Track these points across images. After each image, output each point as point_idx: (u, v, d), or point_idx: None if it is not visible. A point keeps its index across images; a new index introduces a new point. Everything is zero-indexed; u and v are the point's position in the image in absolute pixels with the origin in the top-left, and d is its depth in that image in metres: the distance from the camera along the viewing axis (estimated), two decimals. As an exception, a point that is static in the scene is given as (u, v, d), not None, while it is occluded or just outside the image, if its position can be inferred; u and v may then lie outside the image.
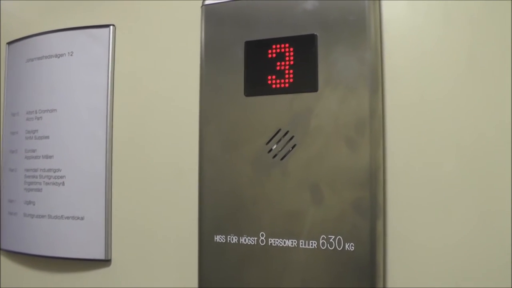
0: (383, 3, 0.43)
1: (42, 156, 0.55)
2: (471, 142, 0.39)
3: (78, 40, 0.55)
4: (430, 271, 0.40)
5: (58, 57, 0.56)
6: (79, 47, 0.55)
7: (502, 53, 0.39)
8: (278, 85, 0.42)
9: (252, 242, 0.42)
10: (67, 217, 0.53)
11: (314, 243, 0.40)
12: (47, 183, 0.54)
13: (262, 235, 0.42)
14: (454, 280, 0.39)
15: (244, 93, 0.44)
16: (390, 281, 0.41)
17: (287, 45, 0.43)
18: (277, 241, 0.41)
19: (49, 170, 0.55)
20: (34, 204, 0.55)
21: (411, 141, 0.41)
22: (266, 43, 0.43)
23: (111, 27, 0.54)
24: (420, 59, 0.41)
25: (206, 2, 0.46)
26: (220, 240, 0.43)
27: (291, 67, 0.42)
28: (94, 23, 0.55)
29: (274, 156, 0.42)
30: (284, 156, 0.42)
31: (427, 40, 0.41)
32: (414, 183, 0.41)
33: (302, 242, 0.40)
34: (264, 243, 0.42)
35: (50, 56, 0.57)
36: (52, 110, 0.55)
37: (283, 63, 0.43)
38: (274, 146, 0.42)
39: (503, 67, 0.39)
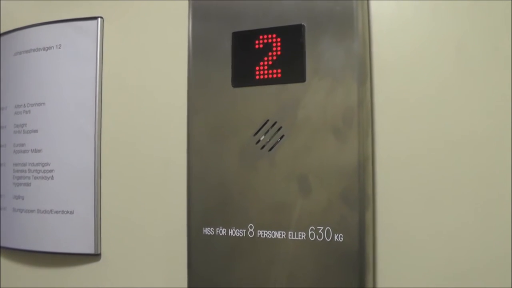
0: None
1: (31, 150, 0.55)
2: (459, 133, 0.39)
3: (66, 32, 0.55)
4: (419, 261, 0.40)
5: (46, 50, 0.56)
6: (67, 40, 0.55)
7: (489, 47, 0.39)
8: (265, 76, 0.42)
9: (241, 234, 0.42)
10: (56, 212, 0.53)
11: (303, 234, 0.40)
12: (36, 177, 0.54)
13: (251, 227, 0.42)
14: (443, 271, 0.39)
15: (232, 84, 0.43)
16: (379, 272, 0.41)
17: (274, 35, 0.42)
18: (265, 232, 0.41)
19: (38, 164, 0.54)
20: (23, 199, 0.55)
21: (400, 132, 0.41)
22: (253, 34, 0.43)
23: (99, 19, 0.54)
24: (409, 51, 0.41)
25: (194, -7, 0.46)
26: (208, 232, 0.43)
27: (278, 57, 0.42)
28: (82, 15, 0.55)
29: (262, 147, 0.42)
30: (272, 147, 0.41)
31: (416, 33, 0.41)
32: (403, 173, 0.41)
33: (290, 233, 0.40)
34: (253, 235, 0.41)
35: (38, 49, 0.56)
36: (40, 104, 0.55)
37: (270, 53, 0.42)
38: (262, 137, 0.42)
39: (491, 61, 0.38)
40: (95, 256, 0.52)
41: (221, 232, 0.43)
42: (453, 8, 0.40)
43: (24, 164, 0.55)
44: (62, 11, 0.56)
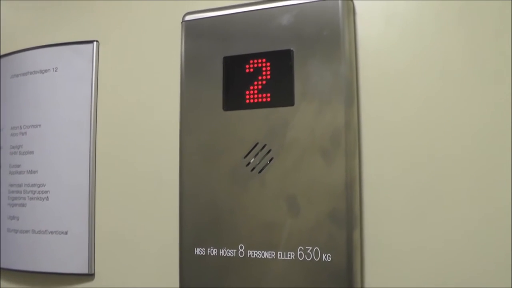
0: (358, 20, 0.44)
1: (27, 171, 0.56)
2: (444, 153, 0.40)
3: (63, 55, 0.56)
4: (407, 279, 0.40)
5: (43, 73, 0.57)
6: (64, 63, 0.56)
7: (474, 69, 0.40)
8: (255, 100, 0.43)
9: (231, 254, 0.43)
10: (51, 232, 0.53)
11: (292, 254, 0.41)
12: (31, 198, 0.55)
13: (241, 247, 0.42)
14: (431, 286, 0.39)
15: (223, 108, 0.44)
16: (367, 291, 0.41)
17: (264, 60, 0.43)
18: (255, 253, 0.42)
19: (33, 185, 0.55)
20: (18, 219, 0.55)
21: (387, 152, 0.42)
22: (244, 59, 0.44)
23: (95, 42, 0.55)
24: (395, 73, 0.42)
25: (186, 18, 0.47)
26: (200, 252, 0.44)
27: (268, 82, 0.43)
28: (78, 38, 0.56)
29: (252, 169, 0.43)
30: (262, 169, 0.42)
31: (401, 56, 0.42)
32: (390, 193, 0.41)
33: (280, 253, 0.41)
34: (243, 255, 0.42)
35: (35, 72, 0.57)
36: (36, 126, 0.56)
37: (260, 77, 0.43)
38: (252, 160, 0.43)
39: (475, 82, 0.40)
40: (89, 276, 0.52)
41: (212, 252, 0.43)
42: (438, 30, 0.41)
43: (20, 185, 0.56)
44: (59, 34, 0.57)
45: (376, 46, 0.43)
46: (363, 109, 0.43)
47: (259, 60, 0.44)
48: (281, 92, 0.42)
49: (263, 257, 0.42)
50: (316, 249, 0.40)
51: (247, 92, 0.44)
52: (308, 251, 0.40)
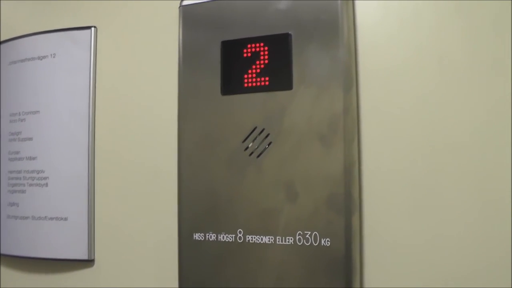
0: (358, 9, 0.43)
1: (26, 157, 0.56)
2: (443, 139, 0.40)
3: (61, 42, 0.56)
4: (406, 265, 0.40)
5: (41, 59, 0.56)
6: (62, 49, 0.56)
7: (472, 56, 0.40)
8: (253, 84, 0.43)
9: (230, 239, 0.43)
10: (51, 218, 0.53)
11: (291, 239, 0.41)
12: (31, 185, 0.55)
13: (240, 232, 0.42)
14: (430, 273, 0.39)
15: (221, 92, 0.44)
16: (366, 275, 0.41)
17: (262, 44, 0.43)
18: (254, 237, 0.42)
19: (33, 171, 0.55)
20: (17, 206, 0.55)
21: (386, 138, 0.42)
22: (242, 43, 0.44)
23: (93, 28, 0.55)
24: (394, 61, 0.42)
25: (184, 3, 0.47)
26: (199, 238, 0.44)
27: (266, 66, 0.43)
28: (76, 25, 0.56)
29: (251, 154, 0.43)
30: (260, 154, 0.42)
31: (400, 43, 0.42)
32: (389, 178, 0.41)
33: (279, 238, 0.41)
34: (242, 240, 0.42)
35: (33, 58, 0.57)
36: (35, 112, 0.56)
37: (258, 62, 0.43)
38: (250, 144, 0.43)
39: (472, 71, 0.39)
40: (88, 262, 0.53)
41: (211, 238, 0.43)
42: (436, 20, 0.41)
43: (19, 172, 0.56)
44: (56, 21, 0.57)
45: (375, 34, 0.43)
46: (363, 95, 0.43)
47: (257, 44, 0.43)
48: (279, 76, 0.42)
49: (262, 242, 0.42)
50: (315, 234, 0.40)
51: (245, 76, 0.43)
52: (307, 236, 0.40)
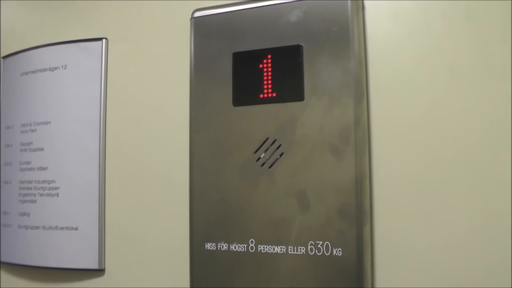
0: (367, 17, 0.44)
1: (37, 168, 0.56)
2: (453, 149, 0.40)
3: (72, 53, 0.56)
4: (417, 275, 0.40)
5: (52, 71, 0.57)
6: (73, 60, 0.56)
7: (481, 64, 0.40)
8: (265, 95, 0.43)
9: (242, 249, 0.43)
10: (61, 228, 0.54)
11: (303, 249, 0.41)
12: (42, 195, 0.55)
13: (252, 242, 0.43)
14: (440, 282, 0.40)
15: (233, 103, 0.45)
16: (378, 285, 0.41)
17: (273, 55, 0.44)
18: (266, 247, 0.42)
19: (44, 181, 0.55)
20: (28, 216, 0.56)
21: (396, 148, 0.42)
22: (254, 54, 0.44)
23: (104, 40, 0.56)
24: (404, 70, 0.42)
25: (195, 15, 0.48)
26: (210, 247, 0.44)
27: (277, 77, 0.43)
28: (87, 36, 0.56)
29: (263, 165, 0.43)
30: (272, 164, 0.43)
31: (410, 52, 0.42)
32: (400, 189, 0.42)
33: (290, 248, 0.41)
34: (254, 249, 0.42)
35: (44, 70, 0.58)
36: (46, 123, 0.56)
37: (269, 73, 0.44)
38: (262, 155, 0.43)
39: (483, 79, 0.40)
40: (99, 272, 0.53)
41: (223, 247, 0.44)
42: (446, 27, 0.41)
43: (30, 182, 0.56)
44: (68, 32, 0.58)
45: (385, 43, 0.43)
46: (373, 105, 0.43)
47: (269, 56, 0.44)
48: (291, 87, 0.43)
49: (273, 252, 0.42)
50: (327, 244, 0.40)
51: (257, 88, 0.44)
52: (319, 246, 0.40)
